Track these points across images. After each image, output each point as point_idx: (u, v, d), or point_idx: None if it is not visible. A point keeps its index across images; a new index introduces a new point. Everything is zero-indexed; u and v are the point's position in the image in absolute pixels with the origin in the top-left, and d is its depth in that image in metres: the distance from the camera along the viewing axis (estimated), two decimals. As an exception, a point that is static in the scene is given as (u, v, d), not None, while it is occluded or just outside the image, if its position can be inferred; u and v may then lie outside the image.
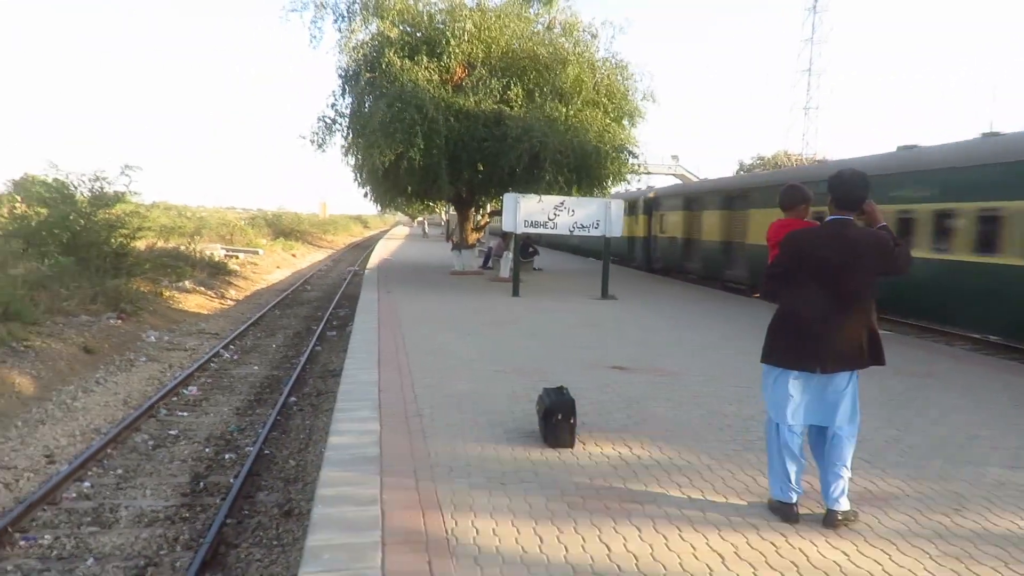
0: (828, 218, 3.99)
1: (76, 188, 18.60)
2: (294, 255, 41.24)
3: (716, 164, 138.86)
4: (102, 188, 18.78)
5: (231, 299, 22.02)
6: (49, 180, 18.65)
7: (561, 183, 16.99)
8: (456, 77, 17.47)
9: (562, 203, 15.69)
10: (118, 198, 18.92)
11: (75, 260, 16.51)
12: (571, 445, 5.38)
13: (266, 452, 8.29)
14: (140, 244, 21.95)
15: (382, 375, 7.60)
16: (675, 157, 49.06)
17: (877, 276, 3.92)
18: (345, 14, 17.92)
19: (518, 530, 3.96)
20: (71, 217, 17.71)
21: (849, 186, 3.94)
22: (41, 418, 9.26)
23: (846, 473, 4.08)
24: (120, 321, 14.76)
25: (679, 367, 8.49)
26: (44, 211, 17.96)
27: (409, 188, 19.48)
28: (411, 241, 49.10)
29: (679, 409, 6.60)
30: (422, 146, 16.13)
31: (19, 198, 19.79)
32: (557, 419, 5.36)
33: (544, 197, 16.03)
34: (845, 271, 3.87)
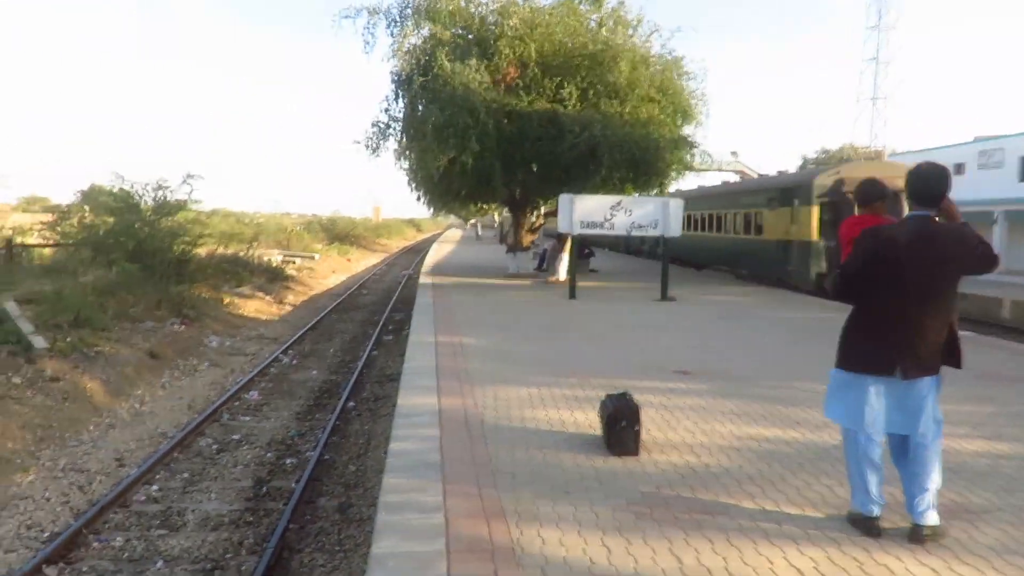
0: (908, 215, 3.83)
1: (140, 197, 19.28)
2: (349, 260, 42.00)
3: (777, 159, 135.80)
4: (165, 197, 19.42)
5: (289, 304, 22.54)
6: (115, 190, 19.38)
7: (616, 181, 16.86)
8: (508, 77, 17.48)
9: (619, 203, 15.56)
10: (180, 206, 19.55)
11: (140, 267, 17.06)
12: (636, 453, 5.30)
13: (326, 457, 8.41)
14: (201, 251, 22.57)
15: (440, 380, 7.63)
16: (735, 153, 48.13)
17: (962, 275, 3.77)
18: (397, 19, 18.12)
19: (585, 540, 3.90)
20: (136, 226, 18.36)
21: (928, 181, 3.78)
22: (112, 422, 9.63)
23: (932, 485, 3.89)
24: (183, 327, 15.25)
25: (746, 371, 8.31)
26: (110, 220, 18.68)
27: (463, 191, 19.59)
28: (464, 244, 49.45)
29: (747, 415, 6.44)
30: (476, 149, 16.20)
31: (87, 208, 20.59)
32: (621, 426, 5.28)
33: (600, 196, 15.93)
34: (930, 270, 3.70)
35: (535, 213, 26.25)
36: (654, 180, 18.36)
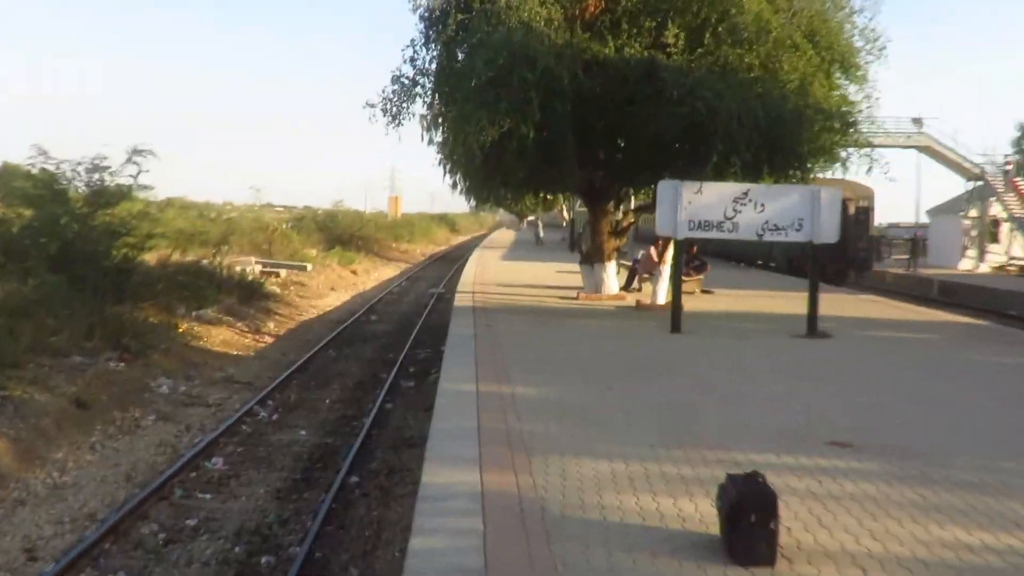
0: None
1: (69, 182, 19.66)
2: (354, 271, 42.71)
3: (982, 130, 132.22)
4: (102, 181, 19.78)
5: (269, 334, 22.95)
6: (34, 172, 19.67)
7: (738, 167, 16.64)
8: (588, 13, 17.55)
9: (745, 194, 15.54)
10: (123, 194, 19.98)
11: (66, 279, 17.23)
12: (771, 563, 5.25)
13: (317, 555, 8.47)
14: (150, 257, 23.18)
15: (484, 448, 7.65)
16: (917, 121, 47.17)
17: None
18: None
19: None
20: (62, 221, 18.60)
21: None
22: (20, 497, 9.87)
23: None
24: (123, 363, 15.63)
25: (935, 443, 8.15)
26: (28, 213, 19.05)
27: (517, 175, 19.73)
28: (519, 250, 49.89)
29: (938, 510, 6.33)
30: (537, 118, 16.27)
31: (-6, 196, 20.63)
32: (749, 521, 5.21)
33: (719, 185, 15.85)
34: None
35: (622, 208, 26.17)
36: (794, 163, 18.08)
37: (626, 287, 22.89)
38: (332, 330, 23.66)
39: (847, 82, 18.66)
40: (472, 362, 12.00)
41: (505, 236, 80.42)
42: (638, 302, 19.87)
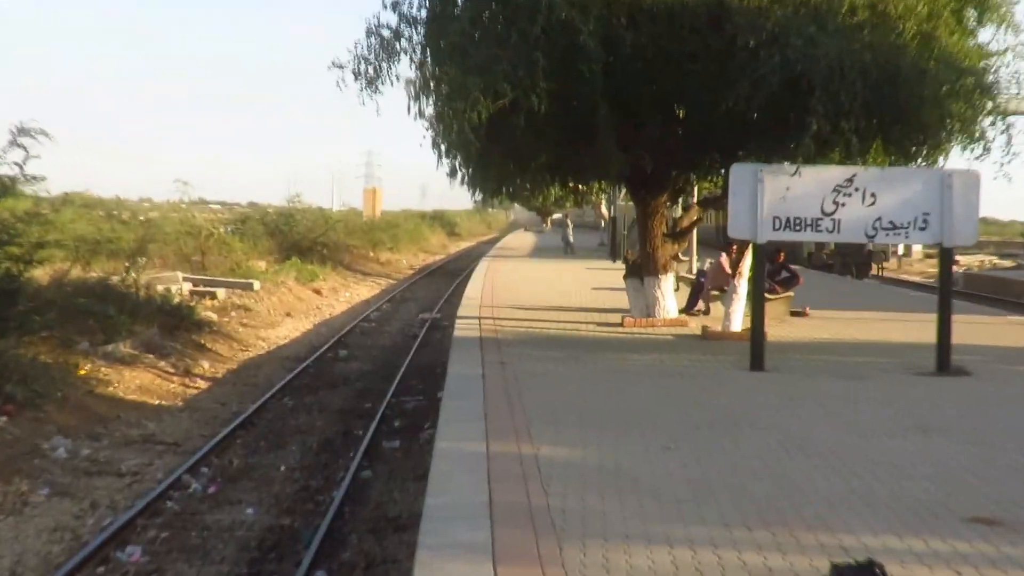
0: None
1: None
2: (318, 290, 42.82)
3: None
4: (-25, 171, 19.88)
5: (204, 376, 22.97)
6: None
7: (852, 141, 16.49)
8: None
9: (850, 180, 15.60)
10: (3, 188, 20.03)
11: None
12: None
13: None
14: (41, 274, 23.15)
15: (498, 531, 7.65)
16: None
17: None
18: None
19: None
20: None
21: None
22: None
23: None
24: (5, 417, 15.62)
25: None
26: None
27: (540, 158, 19.70)
28: (542, 259, 50.06)
29: None
30: (544, 85, 16.23)
31: None
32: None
33: (815, 169, 15.85)
34: None
35: (681, 203, 26.11)
36: (916, 137, 17.91)
37: (688, 309, 22.87)
38: (288, 371, 23.69)
39: (985, 27, 18.50)
40: (480, 414, 11.99)
41: (522, 240, 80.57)
42: (705, 330, 19.87)
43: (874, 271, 47.09)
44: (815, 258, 44.53)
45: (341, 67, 18.88)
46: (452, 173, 20.21)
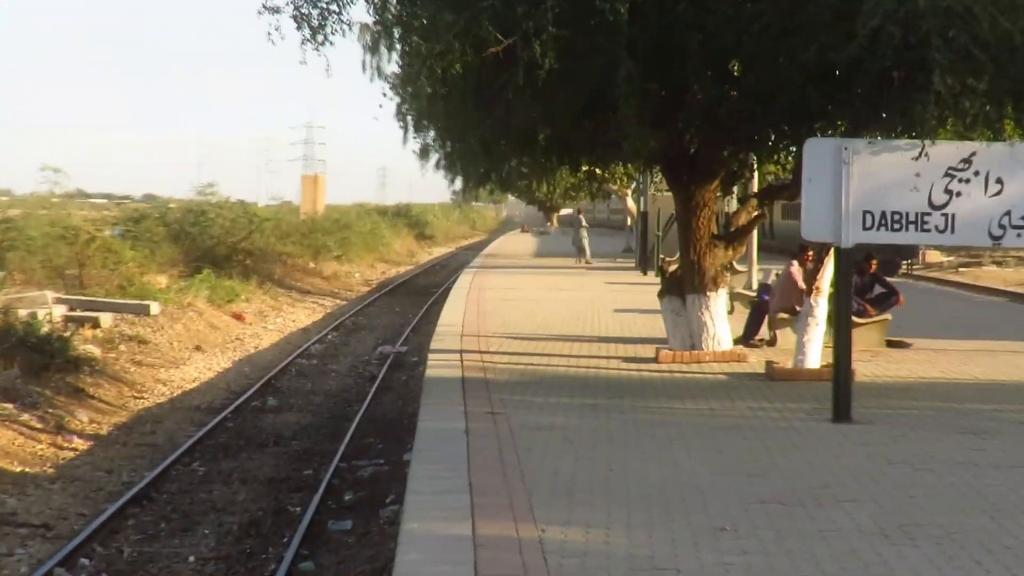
0: None
1: None
2: (239, 315, 42.75)
3: None
4: None
5: (82, 433, 22.83)
6: None
7: (976, 110, 16.44)
8: None
9: (968, 160, 15.64)
10: None
11: None
12: None
13: None
14: None
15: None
16: None
17: None
18: None
19: None
20: None
21: None
22: None
23: None
24: None
25: None
26: None
27: (543, 131, 19.69)
28: (546, 270, 49.99)
29: None
30: (551, 31, 16.19)
31: None
32: None
33: (918, 146, 15.78)
34: None
35: (735, 193, 25.99)
36: None
37: (747, 338, 22.92)
38: (199, 426, 23.65)
39: None
40: (462, 484, 11.94)
41: (519, 244, 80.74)
42: (771, 366, 19.85)
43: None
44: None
45: (276, 11, 18.89)
46: (423, 154, 20.25)
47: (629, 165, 28.58)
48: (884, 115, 16.81)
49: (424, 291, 56.62)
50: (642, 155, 21.18)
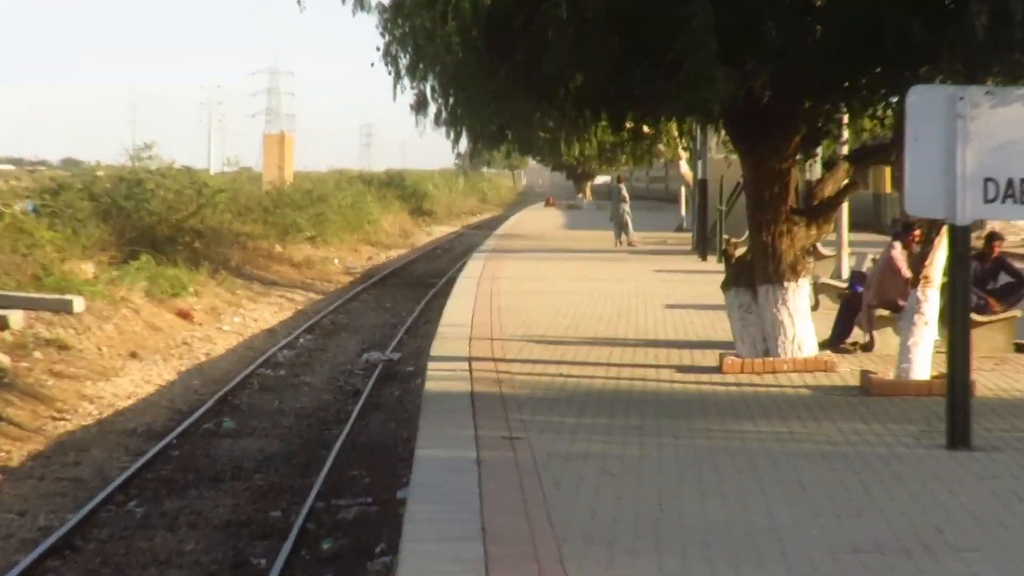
0: None
1: None
2: (186, 312, 42.66)
3: None
4: None
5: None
6: None
7: None
8: None
9: None
10: None
11: None
12: None
13: None
14: None
15: None
16: None
17: None
18: None
19: None
20: None
21: None
22: None
23: None
24: None
25: None
26: None
27: (579, 77, 19.71)
28: (578, 254, 50.10)
29: None
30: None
31: None
32: None
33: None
34: None
35: (818, 157, 25.94)
36: None
37: (836, 341, 22.92)
38: (135, 455, 23.61)
39: None
40: (474, 529, 11.93)
41: (543, 221, 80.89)
42: (867, 378, 19.82)
43: None
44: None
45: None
46: (418, 106, 20.22)
47: (685, 119, 28.40)
48: (1010, 55, 16.80)
49: (422, 282, 56.72)
50: (710, 106, 21.05)
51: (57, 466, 23.27)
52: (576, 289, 36.11)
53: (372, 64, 21.77)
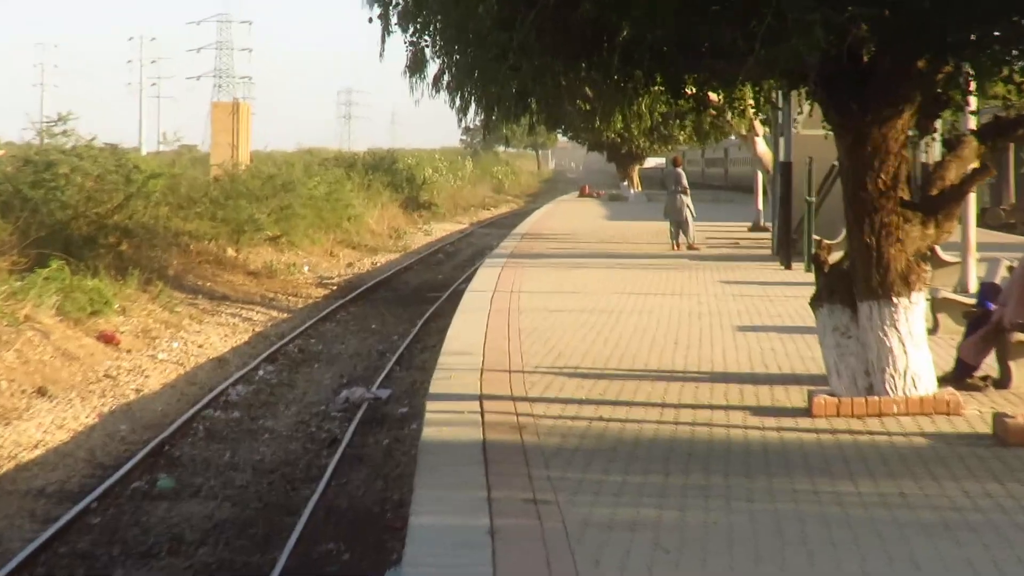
0: None
1: None
2: (109, 335, 42.67)
3: None
4: None
5: None
6: None
7: None
8: None
9: None
10: None
11: None
12: None
13: None
14: None
15: None
16: None
17: None
18: None
19: None
20: None
21: None
22: None
23: None
24: None
25: None
26: None
27: (626, 29, 19.74)
28: (623, 260, 50.57)
29: None
30: None
31: None
32: None
33: None
34: None
35: (938, 130, 26.06)
36: None
37: (960, 375, 22.82)
38: (44, 521, 23.65)
39: None
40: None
41: (577, 216, 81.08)
42: (1001, 423, 19.74)
43: None
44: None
45: None
46: (416, 66, 20.29)
47: (764, 84, 28.24)
48: None
49: (418, 296, 57.00)
50: (801, 65, 21.04)
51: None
52: (620, 306, 36.25)
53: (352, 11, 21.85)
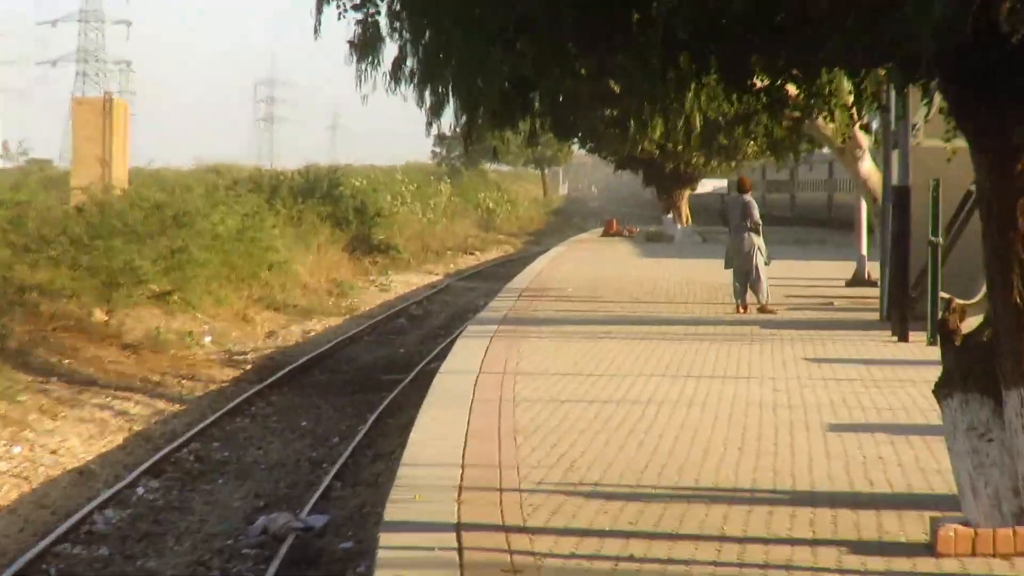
0: None
1: None
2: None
3: None
4: None
5: None
6: None
7: None
8: None
9: None
10: None
11: None
12: None
13: None
14: None
15: None
16: None
17: None
18: None
19: None
20: None
21: None
22: None
23: None
24: None
25: None
26: None
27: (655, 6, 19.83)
28: (664, 337, 50.62)
29: None
30: None
31: None
32: None
33: None
34: None
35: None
36: None
37: None
38: None
39: None
40: None
41: (596, 262, 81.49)
42: None
43: None
44: None
45: None
46: (367, 44, 20.46)
47: (870, 76, 28.14)
48: None
49: (370, 380, 57.10)
50: (938, 32, 21.00)
51: None
52: (661, 394, 36.19)
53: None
